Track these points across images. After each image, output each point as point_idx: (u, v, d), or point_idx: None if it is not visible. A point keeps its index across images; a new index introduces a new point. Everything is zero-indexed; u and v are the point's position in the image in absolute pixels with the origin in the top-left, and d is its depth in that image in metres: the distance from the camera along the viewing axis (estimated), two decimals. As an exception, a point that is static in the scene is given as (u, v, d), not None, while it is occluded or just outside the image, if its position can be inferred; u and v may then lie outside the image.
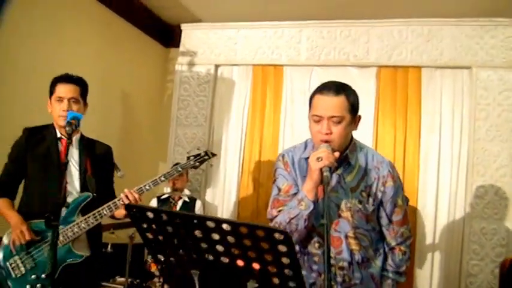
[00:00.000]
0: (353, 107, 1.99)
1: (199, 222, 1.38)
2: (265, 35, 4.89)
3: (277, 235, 1.30)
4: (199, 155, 2.98)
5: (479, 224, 4.20)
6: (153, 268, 3.68)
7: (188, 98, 5.07)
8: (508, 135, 4.21)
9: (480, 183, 4.23)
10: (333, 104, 1.94)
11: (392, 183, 2.09)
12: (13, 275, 2.46)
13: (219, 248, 1.43)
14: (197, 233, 1.42)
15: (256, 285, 1.46)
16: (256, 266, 1.43)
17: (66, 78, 2.67)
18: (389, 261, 2.15)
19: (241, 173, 4.90)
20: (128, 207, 1.50)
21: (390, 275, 2.14)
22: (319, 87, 2.04)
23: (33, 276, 2.46)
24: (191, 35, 5.10)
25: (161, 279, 3.64)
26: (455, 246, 4.32)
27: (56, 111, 2.62)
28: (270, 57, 4.86)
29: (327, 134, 1.94)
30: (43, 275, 2.46)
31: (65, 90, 2.63)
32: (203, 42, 5.04)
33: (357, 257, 2.04)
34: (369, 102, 4.58)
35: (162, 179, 2.75)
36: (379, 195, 2.08)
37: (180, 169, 2.88)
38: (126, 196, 2.59)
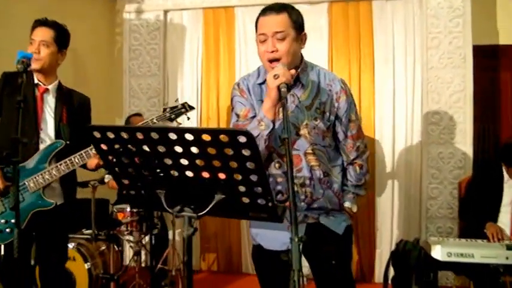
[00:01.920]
0: (296, 23, 2.04)
1: (161, 135, 1.35)
2: (213, -24, 4.76)
3: (240, 138, 1.29)
4: (176, 107, 2.92)
5: (436, 149, 4.33)
6: (120, 216, 3.65)
7: (139, 47, 4.93)
8: (460, 61, 4.29)
9: (435, 110, 4.33)
10: (275, 21, 2.01)
11: (346, 98, 2.15)
12: None
13: (183, 161, 1.41)
14: (160, 148, 1.40)
15: (223, 196, 1.46)
16: (221, 176, 1.42)
17: (41, 22, 2.67)
18: (348, 176, 2.23)
19: (200, 119, 4.86)
20: (87, 129, 1.45)
21: (350, 188, 2.23)
22: (262, 10, 2.09)
23: (2, 221, 2.51)
24: (137, -19, 4.92)
25: (129, 227, 3.63)
26: (414, 172, 4.46)
27: None
28: (220, -1, 4.75)
29: (272, 51, 2.00)
30: (13, 220, 2.44)
31: (37, 33, 2.64)
32: (150, -13, 4.87)
33: (317, 173, 2.08)
34: (322, 39, 4.58)
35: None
36: (334, 111, 2.14)
37: (155, 121, 2.83)
38: None
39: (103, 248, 3.83)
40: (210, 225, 4.86)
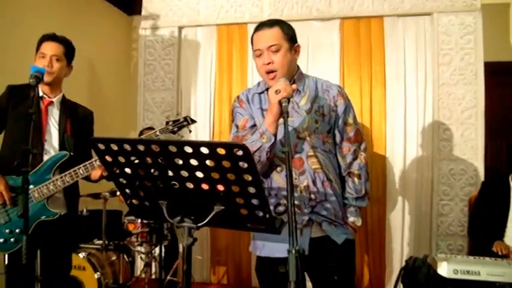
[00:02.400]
0: (288, 35, 2.13)
1: (162, 147, 1.40)
2: (228, -7, 4.86)
3: (237, 151, 1.33)
4: (178, 120, 3.00)
5: (447, 165, 4.32)
6: (131, 228, 3.71)
7: (154, 62, 5.02)
8: (471, 78, 4.30)
9: (446, 126, 4.33)
10: (269, 35, 2.10)
11: (343, 101, 2.22)
12: None
13: (184, 173, 1.46)
14: (161, 160, 1.45)
15: (223, 207, 1.50)
16: (220, 187, 1.46)
17: (51, 37, 2.72)
18: (348, 188, 2.26)
19: (212, 134, 4.92)
20: (92, 140, 1.51)
21: (351, 202, 2.25)
22: (256, 27, 2.20)
23: (7, 231, 2.51)
24: (153, -2, 5.03)
25: (139, 238, 3.68)
26: (425, 189, 4.45)
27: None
28: (234, 16, 4.83)
29: (268, 63, 2.08)
30: (17, 230, 2.50)
31: (48, 47, 2.69)
32: (165, 5, 4.96)
33: (321, 175, 2.11)
34: (334, 55, 4.63)
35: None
36: (333, 114, 2.19)
37: (158, 133, 2.91)
38: None
39: (113, 258, 3.88)
40: (221, 239, 4.89)
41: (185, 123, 2.98)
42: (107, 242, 3.72)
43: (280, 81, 1.94)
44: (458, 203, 4.29)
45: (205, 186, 1.48)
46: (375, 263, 4.51)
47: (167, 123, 2.98)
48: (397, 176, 4.49)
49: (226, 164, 1.38)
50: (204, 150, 1.36)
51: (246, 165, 1.36)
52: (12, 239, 2.52)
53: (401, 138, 4.48)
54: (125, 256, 3.87)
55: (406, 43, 4.52)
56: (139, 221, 3.75)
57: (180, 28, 4.99)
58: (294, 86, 1.99)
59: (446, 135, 4.34)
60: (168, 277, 4.12)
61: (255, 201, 1.46)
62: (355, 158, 2.26)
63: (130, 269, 4.00)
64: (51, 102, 2.75)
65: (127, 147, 1.46)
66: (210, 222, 1.52)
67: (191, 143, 1.36)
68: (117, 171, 1.58)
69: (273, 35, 2.09)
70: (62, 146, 2.69)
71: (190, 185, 1.49)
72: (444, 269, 2.77)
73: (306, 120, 2.13)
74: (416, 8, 4.44)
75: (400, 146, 4.47)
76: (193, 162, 1.41)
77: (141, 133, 4.50)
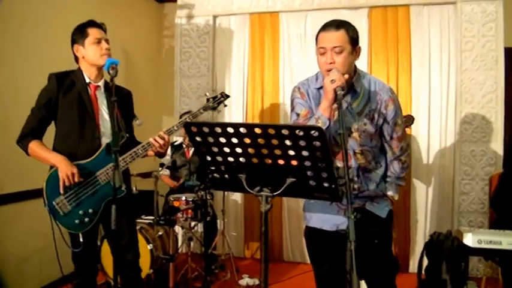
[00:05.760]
0: (352, 39, 2.32)
1: (249, 129, 1.70)
2: (260, -17, 5.13)
3: (313, 132, 1.63)
4: (216, 96, 3.17)
5: (468, 147, 4.59)
6: (176, 204, 4.00)
7: (190, 49, 5.32)
8: (492, 64, 4.55)
9: (468, 110, 4.60)
10: (334, 37, 2.29)
11: (393, 106, 2.43)
12: (61, 213, 2.65)
13: (264, 151, 1.75)
14: (246, 140, 1.75)
15: (294, 179, 1.80)
16: (294, 162, 1.76)
17: (96, 23, 2.82)
18: (392, 169, 2.54)
19: (245, 118, 5.22)
20: (186, 125, 1.80)
21: (393, 180, 2.54)
22: (322, 26, 2.38)
23: (80, 212, 2.67)
24: (187, -12, 5.31)
25: (185, 214, 3.98)
26: (448, 169, 4.74)
27: (96, 52, 2.76)
28: (266, 5, 5.10)
29: (330, 63, 2.29)
30: (90, 210, 2.69)
31: (99, 32, 2.80)
32: (200, -6, 5.26)
33: (364, 169, 2.41)
34: (362, 42, 4.79)
35: (188, 120, 2.97)
36: (382, 117, 2.42)
37: (202, 111, 3.08)
38: (158, 138, 2.80)
39: (161, 232, 4.21)
40: (254, 217, 5.23)
41: (222, 98, 3.16)
42: (157, 218, 4.00)
43: (334, 71, 2.20)
44: (478, 182, 4.58)
45: (281, 162, 1.78)
46: (400, 238, 4.81)
47: (208, 100, 3.15)
48: (421, 157, 4.77)
49: (302, 143, 1.67)
50: (285, 131, 1.66)
51: (319, 143, 1.66)
52: (86, 219, 2.69)
53: (425, 121, 4.75)
54: (173, 230, 4.17)
55: (431, 31, 4.77)
56: (183, 198, 4.04)
57: (215, 17, 5.28)
58: (346, 76, 2.25)
59: (468, 119, 4.61)
60: (209, 251, 4.45)
61: (324, 174, 1.76)
62: (403, 153, 2.52)
63: (176, 243, 4.31)
64: (98, 87, 2.85)
65: (217, 129, 1.76)
66: (283, 192, 1.83)
67: (274, 126, 1.66)
68: (204, 149, 1.88)
69: (338, 37, 2.27)
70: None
71: (268, 161, 1.79)
72: (469, 239, 3.04)
73: (356, 121, 2.38)
74: (440, -3, 4.68)
75: (424, 129, 4.75)
76: (274, 141, 1.70)
77: (181, 117, 4.81)
